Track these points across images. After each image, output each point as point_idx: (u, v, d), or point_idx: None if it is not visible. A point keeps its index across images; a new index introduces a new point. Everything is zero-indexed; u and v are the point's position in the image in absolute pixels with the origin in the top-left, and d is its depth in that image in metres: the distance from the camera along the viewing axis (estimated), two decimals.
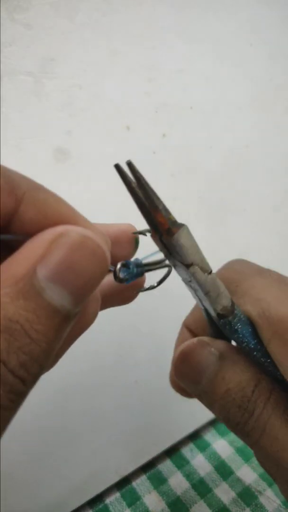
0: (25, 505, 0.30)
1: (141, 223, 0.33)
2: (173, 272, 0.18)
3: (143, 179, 0.16)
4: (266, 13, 0.41)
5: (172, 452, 0.37)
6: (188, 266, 0.16)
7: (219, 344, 0.19)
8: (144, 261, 0.17)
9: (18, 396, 0.12)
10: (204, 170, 0.38)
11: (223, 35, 0.38)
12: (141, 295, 0.20)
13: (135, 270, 0.17)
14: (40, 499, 0.31)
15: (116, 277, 0.16)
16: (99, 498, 0.34)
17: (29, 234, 0.13)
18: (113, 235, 0.18)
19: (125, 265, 0.16)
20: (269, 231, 0.43)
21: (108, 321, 0.32)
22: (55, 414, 0.31)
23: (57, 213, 0.13)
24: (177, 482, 0.35)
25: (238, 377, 0.18)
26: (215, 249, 0.39)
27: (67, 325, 0.13)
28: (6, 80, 0.27)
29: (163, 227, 0.15)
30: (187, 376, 0.19)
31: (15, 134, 0.27)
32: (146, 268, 0.17)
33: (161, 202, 0.16)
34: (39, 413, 0.30)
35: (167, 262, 0.17)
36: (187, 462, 0.37)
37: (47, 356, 0.12)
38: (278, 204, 0.44)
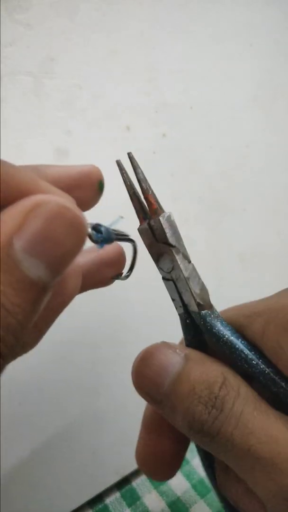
0: (25, 505, 0.30)
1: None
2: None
3: (139, 167, 0.19)
4: (266, 13, 0.41)
5: None
6: (172, 246, 0.17)
7: (184, 347, 0.18)
8: (116, 232, 0.17)
9: None
10: (204, 170, 0.38)
11: (223, 35, 0.38)
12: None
13: (107, 233, 0.16)
14: (40, 499, 0.31)
15: (90, 237, 0.16)
16: (99, 498, 0.34)
17: None
18: (76, 178, 0.17)
19: (96, 228, 0.16)
20: (269, 231, 0.43)
21: (108, 321, 0.32)
22: (55, 414, 0.31)
23: (20, 184, 0.13)
24: (177, 482, 0.35)
25: (204, 376, 0.17)
26: (215, 249, 0.39)
27: (43, 296, 0.13)
28: (6, 80, 0.27)
29: (152, 206, 0.18)
30: (148, 379, 0.18)
31: (15, 134, 0.27)
32: (118, 237, 0.17)
33: (151, 188, 0.18)
34: (39, 413, 0.30)
35: (130, 237, 0.18)
36: (187, 462, 0.37)
37: (23, 328, 0.12)
38: (278, 204, 0.44)
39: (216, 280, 0.39)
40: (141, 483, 0.35)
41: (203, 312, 0.18)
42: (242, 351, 0.17)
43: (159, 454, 0.20)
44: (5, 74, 0.26)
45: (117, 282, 0.20)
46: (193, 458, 0.37)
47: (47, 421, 0.31)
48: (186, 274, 0.18)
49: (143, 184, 0.18)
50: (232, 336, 0.17)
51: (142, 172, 0.18)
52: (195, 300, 0.18)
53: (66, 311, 0.30)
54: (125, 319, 0.33)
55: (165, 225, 0.17)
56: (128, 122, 0.32)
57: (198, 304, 0.18)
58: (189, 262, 0.18)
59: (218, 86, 0.38)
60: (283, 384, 0.16)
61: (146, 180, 0.19)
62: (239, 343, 0.17)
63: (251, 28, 0.40)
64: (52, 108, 0.28)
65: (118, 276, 0.20)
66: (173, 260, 0.18)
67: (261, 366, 0.17)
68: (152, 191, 0.18)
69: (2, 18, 0.26)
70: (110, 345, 0.33)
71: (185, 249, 0.18)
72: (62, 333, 0.31)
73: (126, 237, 0.18)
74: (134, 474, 0.35)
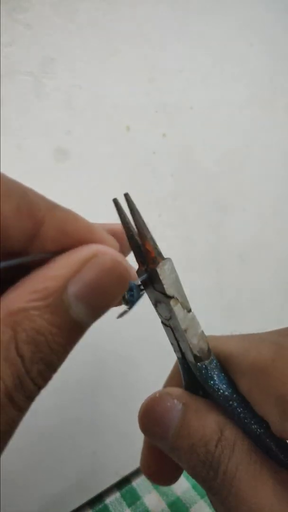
0: (25, 505, 0.30)
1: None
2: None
3: (136, 210, 0.17)
4: (266, 13, 0.41)
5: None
6: (169, 297, 0.16)
7: (181, 393, 0.18)
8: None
9: (32, 400, 0.13)
10: (204, 169, 0.38)
11: (223, 35, 0.38)
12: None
13: (136, 293, 0.17)
14: (40, 499, 0.31)
15: (124, 299, 0.17)
16: (99, 498, 0.34)
17: (52, 252, 0.14)
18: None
19: (130, 289, 0.17)
20: (269, 231, 0.43)
21: (108, 320, 0.32)
22: (55, 414, 0.31)
23: (77, 231, 0.14)
24: (177, 482, 0.35)
25: (201, 431, 0.17)
26: (215, 249, 0.39)
27: (81, 336, 0.14)
28: (6, 80, 0.27)
29: (150, 255, 0.16)
30: (154, 433, 0.18)
31: (15, 134, 0.27)
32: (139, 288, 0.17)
33: (149, 232, 0.17)
34: (39, 413, 0.30)
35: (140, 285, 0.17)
36: None
37: (61, 364, 0.13)
38: (278, 204, 0.44)
39: (216, 280, 0.39)
40: (141, 483, 0.35)
41: (199, 364, 0.17)
42: (236, 408, 0.17)
43: (163, 459, 0.20)
44: (5, 74, 0.26)
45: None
46: None
47: (47, 421, 0.31)
48: (183, 326, 0.17)
49: (140, 230, 0.17)
50: (227, 390, 0.17)
51: (139, 215, 0.17)
52: (191, 352, 0.17)
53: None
54: (125, 318, 0.33)
55: (162, 276, 0.16)
56: (128, 122, 0.32)
57: (195, 356, 0.17)
58: (189, 311, 0.17)
59: (218, 86, 0.38)
60: (272, 446, 0.16)
61: (144, 224, 0.17)
62: (234, 398, 0.17)
63: (251, 28, 0.40)
64: (52, 108, 0.28)
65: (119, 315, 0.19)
66: (171, 311, 0.17)
67: (254, 426, 0.17)
68: (151, 237, 0.17)
69: (2, 18, 0.26)
70: (110, 345, 0.33)
71: (185, 297, 0.17)
72: None
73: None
74: (134, 474, 0.35)
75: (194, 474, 0.17)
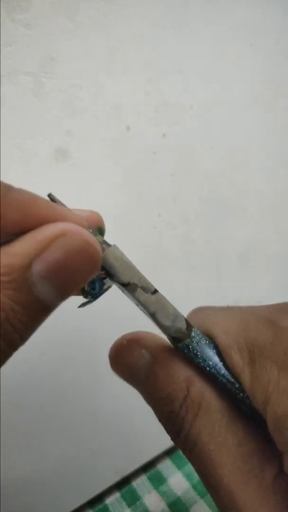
0: (25, 505, 0.30)
1: (141, 224, 0.33)
2: None
3: (62, 204, 0.16)
4: (266, 13, 0.41)
5: (172, 452, 0.37)
6: (126, 286, 0.16)
7: (150, 342, 0.18)
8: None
9: None
10: (204, 170, 0.38)
11: (223, 35, 0.38)
12: None
13: (98, 287, 0.16)
14: (40, 499, 0.31)
15: (85, 293, 0.16)
16: (99, 498, 0.34)
17: (17, 234, 0.13)
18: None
19: (92, 281, 0.16)
20: (269, 231, 0.43)
21: (108, 320, 0.32)
22: (55, 414, 0.31)
23: (39, 211, 0.13)
24: (177, 482, 0.35)
25: (167, 387, 0.16)
26: (215, 249, 0.39)
27: (46, 317, 0.13)
28: (6, 80, 0.27)
29: None
30: (122, 377, 0.19)
31: (15, 134, 0.27)
32: (101, 282, 0.16)
33: (87, 226, 0.16)
34: (39, 413, 0.30)
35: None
36: (187, 462, 0.37)
37: (22, 343, 0.13)
38: (278, 203, 0.44)
39: (216, 280, 0.39)
40: (141, 483, 0.35)
41: (179, 345, 0.16)
42: (226, 384, 0.16)
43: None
44: (5, 74, 0.26)
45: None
46: None
47: (46, 421, 0.31)
48: (151, 309, 0.16)
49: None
50: (214, 367, 0.16)
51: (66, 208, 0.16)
52: (167, 334, 0.16)
53: (67, 311, 0.30)
54: (126, 318, 0.33)
55: (109, 266, 0.15)
56: (128, 122, 0.32)
57: (173, 338, 0.16)
58: (153, 292, 0.16)
59: (218, 86, 0.38)
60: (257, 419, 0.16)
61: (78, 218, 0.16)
62: (223, 374, 0.16)
63: (251, 28, 0.40)
64: (52, 108, 0.28)
65: (81, 304, 0.18)
66: (133, 298, 0.16)
67: (247, 401, 0.16)
68: (90, 229, 0.16)
69: (2, 18, 0.26)
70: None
71: (144, 280, 0.16)
72: (62, 333, 0.31)
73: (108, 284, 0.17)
74: (134, 474, 0.35)
75: (163, 425, 0.17)
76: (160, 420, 0.17)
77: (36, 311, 0.13)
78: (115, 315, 0.33)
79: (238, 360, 0.16)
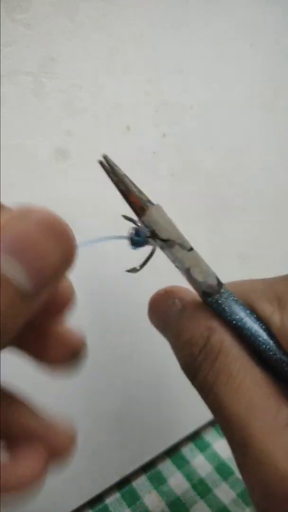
0: (25, 505, 0.30)
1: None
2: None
3: (116, 166, 0.18)
4: (266, 13, 0.41)
5: (172, 452, 0.37)
6: (166, 241, 0.17)
7: (184, 294, 0.19)
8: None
9: None
10: (204, 170, 0.38)
11: (223, 35, 0.38)
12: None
13: (142, 237, 0.17)
14: (40, 499, 0.31)
15: (132, 240, 0.17)
16: (99, 498, 0.34)
17: None
18: None
19: (137, 232, 0.17)
20: (269, 231, 0.43)
21: (108, 321, 0.32)
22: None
23: None
24: (177, 482, 0.35)
25: (190, 332, 0.18)
26: (215, 249, 0.39)
27: (25, 307, 0.11)
28: (6, 80, 0.27)
29: (136, 205, 0.17)
30: (156, 325, 0.20)
31: (15, 134, 0.27)
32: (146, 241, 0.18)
33: (133, 184, 0.17)
34: None
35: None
36: (187, 462, 0.37)
37: (4, 341, 0.11)
38: (278, 204, 0.44)
39: None
40: (141, 483, 0.35)
41: (209, 298, 0.17)
42: (252, 338, 0.17)
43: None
44: (5, 74, 0.26)
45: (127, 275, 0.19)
46: (193, 459, 0.37)
47: None
48: (186, 265, 0.17)
49: (123, 182, 0.17)
50: (240, 320, 0.17)
51: (119, 169, 0.18)
52: (200, 289, 0.18)
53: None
54: (126, 318, 0.33)
55: (152, 223, 0.17)
56: (128, 122, 0.32)
57: (204, 293, 0.17)
58: (189, 250, 0.17)
59: (218, 86, 0.38)
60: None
61: (125, 176, 0.18)
62: (249, 327, 0.17)
63: (251, 28, 0.40)
64: (52, 108, 0.28)
65: (131, 269, 0.19)
66: (170, 254, 0.17)
67: (277, 356, 0.17)
68: (135, 187, 0.17)
69: (2, 18, 0.26)
70: (111, 345, 0.33)
71: (181, 238, 0.17)
72: None
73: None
74: (134, 474, 0.35)
75: (182, 369, 0.18)
76: (180, 364, 0.18)
77: (9, 294, 0.11)
78: (118, 312, 0.33)
79: (268, 306, 0.17)
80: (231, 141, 0.39)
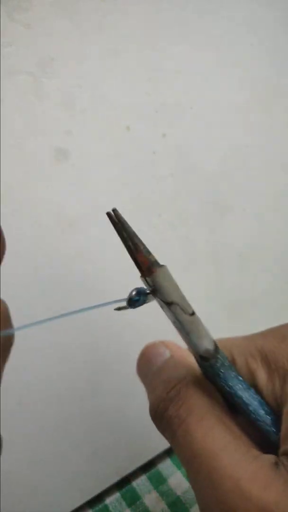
0: (24, 505, 0.30)
1: (141, 224, 0.33)
2: None
3: (126, 223, 0.18)
4: (266, 13, 0.41)
5: (172, 452, 0.37)
6: (169, 304, 0.17)
7: (174, 347, 0.20)
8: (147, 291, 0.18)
9: None
10: (204, 170, 0.38)
11: (223, 35, 0.38)
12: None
13: (142, 297, 0.18)
14: (40, 499, 0.31)
15: (130, 301, 0.17)
16: (99, 498, 0.34)
17: None
18: None
19: (138, 292, 0.17)
20: (269, 231, 0.43)
21: (108, 320, 0.32)
22: (54, 414, 0.31)
23: None
24: (177, 482, 0.35)
25: (170, 374, 0.19)
26: (215, 249, 0.39)
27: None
28: (6, 80, 0.27)
29: (144, 265, 0.17)
30: (140, 371, 0.21)
31: (15, 134, 0.27)
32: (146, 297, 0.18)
33: (142, 243, 0.17)
34: (39, 413, 0.30)
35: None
36: None
37: None
38: (278, 204, 0.44)
39: (216, 280, 0.39)
40: (141, 483, 0.35)
41: (205, 363, 0.18)
42: (242, 404, 0.18)
43: None
44: (5, 74, 0.26)
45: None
46: None
47: (46, 421, 0.31)
48: (186, 329, 0.17)
49: (129, 243, 0.17)
50: (233, 388, 0.18)
51: (129, 226, 0.17)
52: (196, 353, 0.18)
53: (67, 311, 0.30)
54: (127, 318, 0.33)
55: (157, 285, 0.17)
56: (128, 122, 0.32)
57: (201, 357, 0.18)
58: (191, 314, 0.17)
59: (218, 86, 0.38)
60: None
61: (134, 235, 0.17)
62: (240, 396, 0.18)
63: (251, 28, 0.40)
64: (52, 108, 0.28)
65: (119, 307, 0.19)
66: (171, 316, 0.18)
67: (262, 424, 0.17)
68: (144, 247, 0.17)
69: (2, 18, 0.26)
70: (111, 345, 0.33)
71: (184, 301, 0.17)
72: (61, 332, 0.31)
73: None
74: (134, 474, 0.35)
75: (150, 409, 0.19)
76: (152, 400, 0.19)
77: None
78: (118, 313, 0.33)
79: (252, 362, 0.18)
80: (231, 141, 0.39)
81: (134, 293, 0.17)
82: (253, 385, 0.18)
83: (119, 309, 0.19)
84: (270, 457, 0.15)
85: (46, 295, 0.29)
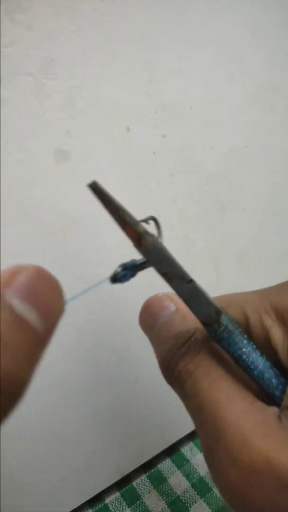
0: (25, 505, 0.30)
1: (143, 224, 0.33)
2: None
3: (109, 195, 0.17)
4: (265, 13, 0.41)
5: (172, 451, 0.37)
6: (163, 274, 0.17)
7: (179, 301, 0.20)
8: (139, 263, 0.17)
9: None
10: (204, 170, 0.38)
11: (223, 35, 0.38)
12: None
13: (129, 272, 0.17)
14: (40, 499, 0.31)
15: (115, 277, 0.17)
16: (99, 498, 0.34)
17: None
18: None
19: (124, 268, 0.17)
20: (269, 231, 0.43)
21: (108, 320, 0.32)
22: (54, 414, 0.31)
23: None
24: (177, 481, 0.35)
25: (179, 328, 0.19)
26: (215, 249, 0.39)
27: (41, 349, 0.13)
28: (6, 80, 0.27)
29: (133, 239, 0.16)
30: (145, 323, 0.21)
31: (15, 134, 0.27)
32: (140, 268, 0.18)
33: (128, 215, 0.16)
34: (39, 413, 0.30)
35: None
36: (187, 461, 0.37)
37: (22, 372, 0.12)
38: (278, 204, 0.44)
39: (216, 280, 0.39)
40: (141, 483, 0.35)
41: (208, 328, 0.18)
42: (247, 367, 0.17)
43: None
44: (5, 74, 0.26)
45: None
46: (193, 458, 0.37)
47: (46, 421, 0.31)
48: (184, 297, 0.17)
49: (118, 213, 0.17)
50: (238, 351, 0.18)
51: (113, 198, 0.17)
52: (198, 319, 0.18)
53: (66, 311, 0.30)
54: (128, 319, 0.33)
55: (149, 256, 0.17)
56: (128, 122, 0.32)
57: (203, 323, 0.18)
58: (189, 282, 0.17)
59: (218, 86, 0.38)
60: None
61: (119, 208, 0.17)
62: (243, 359, 0.18)
63: (251, 28, 0.40)
64: (52, 109, 0.28)
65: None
66: (169, 286, 0.17)
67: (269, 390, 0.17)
68: (130, 218, 0.17)
69: (2, 18, 0.26)
70: (110, 345, 0.33)
71: (179, 270, 0.17)
72: (61, 333, 0.31)
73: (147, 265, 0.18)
74: (134, 474, 0.35)
75: (160, 363, 0.19)
76: (160, 356, 0.19)
77: (28, 335, 0.12)
78: (118, 313, 0.33)
79: (266, 319, 0.18)
80: (231, 141, 0.39)
81: (119, 269, 0.17)
82: (267, 342, 0.18)
83: (113, 279, 0.18)
84: (274, 409, 0.16)
85: None
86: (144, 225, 0.18)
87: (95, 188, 0.17)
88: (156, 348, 0.20)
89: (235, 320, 0.19)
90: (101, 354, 0.33)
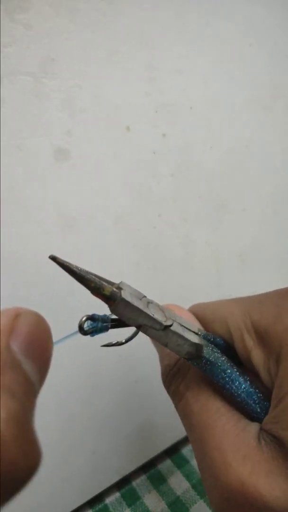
0: (25, 505, 0.30)
1: (141, 224, 0.33)
2: None
3: (69, 266, 0.16)
4: (265, 13, 0.41)
5: (172, 452, 0.37)
6: (138, 327, 0.17)
7: (181, 317, 0.21)
8: (112, 317, 0.17)
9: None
10: (204, 170, 0.38)
11: (223, 35, 0.38)
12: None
13: (99, 324, 0.17)
14: (40, 499, 0.31)
15: (80, 328, 0.17)
16: (99, 498, 0.34)
17: None
18: None
19: (91, 318, 0.17)
20: (269, 231, 0.43)
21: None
22: (54, 414, 0.31)
23: None
24: (177, 482, 0.35)
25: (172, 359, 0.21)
26: (215, 249, 0.39)
27: (35, 401, 0.13)
28: (6, 80, 0.27)
29: (102, 299, 0.16)
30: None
31: (15, 134, 0.27)
32: (113, 324, 0.18)
33: (92, 280, 0.16)
34: (39, 413, 0.30)
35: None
36: (187, 462, 0.37)
37: (23, 428, 0.13)
38: (278, 204, 0.44)
39: (216, 280, 0.39)
40: (141, 483, 0.35)
41: (191, 362, 0.18)
42: (230, 391, 0.18)
43: None
44: (5, 74, 0.26)
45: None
46: (193, 458, 0.37)
47: (46, 421, 0.31)
48: (162, 342, 0.18)
49: (82, 283, 0.16)
50: (220, 380, 0.18)
51: (74, 269, 0.16)
52: (181, 357, 0.18)
53: (67, 310, 0.30)
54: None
55: (120, 316, 0.17)
56: (128, 122, 0.32)
57: (186, 359, 0.18)
58: (164, 328, 0.17)
59: (218, 86, 0.38)
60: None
61: (81, 275, 0.16)
62: (226, 387, 0.18)
63: (251, 28, 0.40)
64: (52, 108, 0.28)
65: (109, 343, 0.20)
66: (147, 335, 0.18)
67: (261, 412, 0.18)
68: (94, 283, 0.16)
69: (2, 18, 0.26)
70: (111, 347, 0.33)
71: (152, 319, 0.17)
72: (61, 333, 0.31)
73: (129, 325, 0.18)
74: (134, 474, 0.35)
75: (161, 376, 0.21)
76: (161, 371, 0.21)
77: (31, 394, 0.13)
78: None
79: (248, 339, 0.18)
80: (231, 141, 0.39)
81: (84, 319, 0.17)
82: (250, 363, 0.18)
83: (107, 345, 0.19)
84: (256, 428, 0.17)
85: (46, 295, 0.29)
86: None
87: (55, 260, 0.16)
88: (159, 360, 0.22)
89: (221, 336, 0.20)
90: (102, 354, 0.33)
